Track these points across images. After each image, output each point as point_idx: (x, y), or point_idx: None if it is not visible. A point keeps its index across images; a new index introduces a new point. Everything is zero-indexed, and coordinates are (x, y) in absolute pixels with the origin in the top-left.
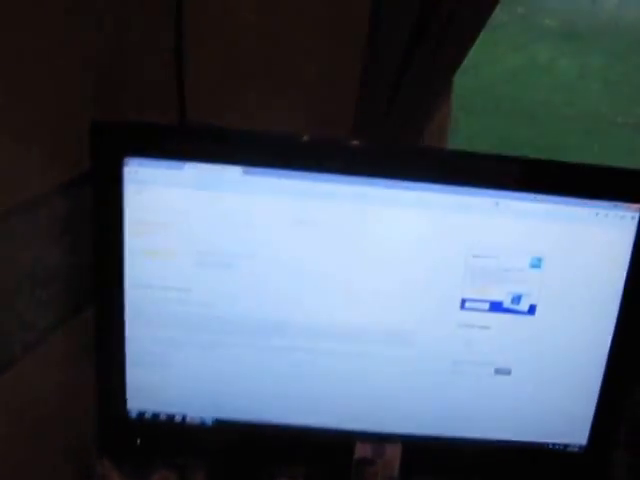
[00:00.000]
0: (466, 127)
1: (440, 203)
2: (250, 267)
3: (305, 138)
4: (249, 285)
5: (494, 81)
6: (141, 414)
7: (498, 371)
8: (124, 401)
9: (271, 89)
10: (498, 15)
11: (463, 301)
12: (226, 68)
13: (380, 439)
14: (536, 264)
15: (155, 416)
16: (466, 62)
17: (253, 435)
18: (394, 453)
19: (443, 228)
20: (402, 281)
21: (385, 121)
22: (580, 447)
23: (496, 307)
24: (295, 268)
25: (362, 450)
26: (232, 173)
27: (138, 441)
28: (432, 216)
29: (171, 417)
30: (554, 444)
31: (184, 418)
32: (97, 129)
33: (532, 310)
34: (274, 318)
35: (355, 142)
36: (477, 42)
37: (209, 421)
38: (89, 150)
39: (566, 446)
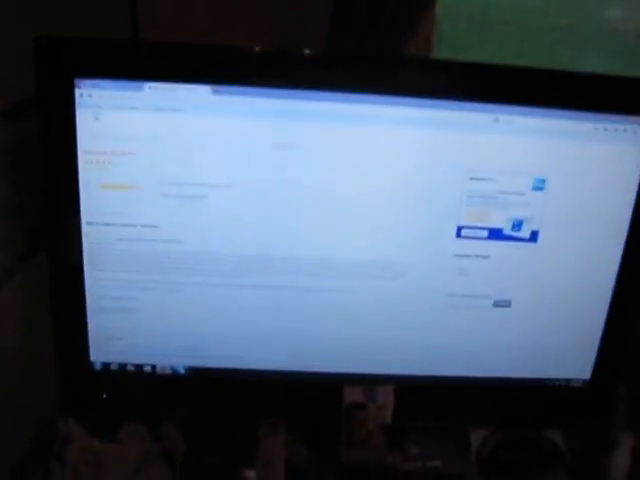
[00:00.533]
0: (451, 38)
1: (432, 120)
2: (224, 198)
3: (280, 51)
4: (223, 218)
5: None
6: (106, 365)
7: (497, 303)
8: (86, 352)
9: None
10: None
11: (459, 229)
12: None
13: (371, 382)
14: (538, 186)
15: (121, 367)
16: None
17: (231, 384)
18: (387, 396)
19: (436, 148)
20: (391, 208)
21: (365, 30)
22: (583, 382)
23: (495, 234)
24: (274, 198)
25: (351, 394)
26: (200, 93)
27: (104, 395)
28: (424, 135)
29: (139, 367)
30: (557, 379)
31: (154, 368)
32: (42, 46)
33: (534, 237)
34: (252, 253)
35: (336, 53)
36: None
37: (181, 370)
38: (33, 71)
39: (569, 381)
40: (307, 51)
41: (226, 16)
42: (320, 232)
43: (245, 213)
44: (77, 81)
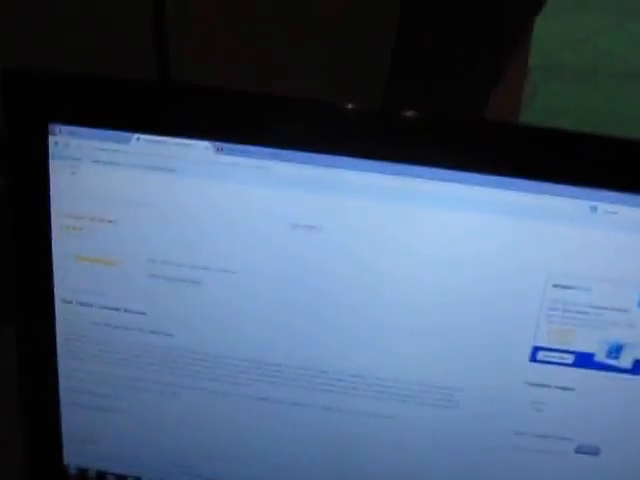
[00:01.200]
0: (546, 94)
1: (508, 205)
2: (225, 286)
3: (310, 102)
4: (223, 311)
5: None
6: (82, 471)
7: (580, 449)
8: (60, 453)
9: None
10: None
11: (535, 350)
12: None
13: None
14: None
15: (100, 475)
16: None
17: None
18: None
19: (510, 243)
20: (445, 318)
21: (430, 82)
22: None
23: (583, 361)
24: (289, 293)
25: None
26: (200, 151)
27: None
28: (495, 225)
29: (121, 478)
30: None
31: None
32: (10, 80)
33: (637, 368)
34: (260, 358)
35: (384, 112)
36: None
37: None
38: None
39: None
40: (346, 105)
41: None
42: (348, 341)
43: (250, 307)
44: (51, 126)
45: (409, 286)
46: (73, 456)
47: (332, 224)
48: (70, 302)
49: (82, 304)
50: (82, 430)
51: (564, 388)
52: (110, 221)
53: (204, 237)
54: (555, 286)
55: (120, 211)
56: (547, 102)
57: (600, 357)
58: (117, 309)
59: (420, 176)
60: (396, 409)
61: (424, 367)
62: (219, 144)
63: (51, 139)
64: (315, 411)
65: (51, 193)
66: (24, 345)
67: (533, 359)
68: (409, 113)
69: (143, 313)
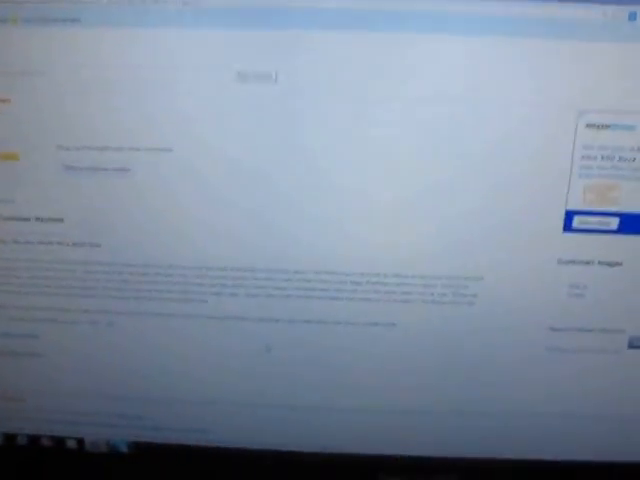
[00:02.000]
0: None
1: (523, 21)
2: (161, 169)
3: None
4: (162, 203)
5: None
6: (9, 438)
7: (634, 343)
8: None
9: None
10: None
11: (569, 216)
12: None
13: (421, 469)
14: None
15: (32, 441)
16: None
17: (195, 470)
18: None
19: (530, 73)
20: (457, 183)
21: None
22: None
23: (632, 225)
24: (247, 167)
25: None
26: None
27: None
28: (509, 49)
29: (59, 442)
30: None
31: (80, 443)
32: None
33: None
34: (214, 264)
35: None
36: None
37: (123, 448)
38: None
39: None
40: None
41: None
42: (330, 228)
43: (195, 197)
44: None
45: (405, 144)
46: None
47: (291, 69)
48: None
49: None
50: (3, 386)
51: (609, 264)
52: (4, 101)
53: (128, 107)
54: (589, 126)
55: (16, 85)
56: None
57: None
58: (26, 219)
59: None
60: (394, 310)
61: (431, 255)
62: None
63: None
64: (289, 326)
65: None
66: None
67: (567, 228)
68: None
69: (60, 220)
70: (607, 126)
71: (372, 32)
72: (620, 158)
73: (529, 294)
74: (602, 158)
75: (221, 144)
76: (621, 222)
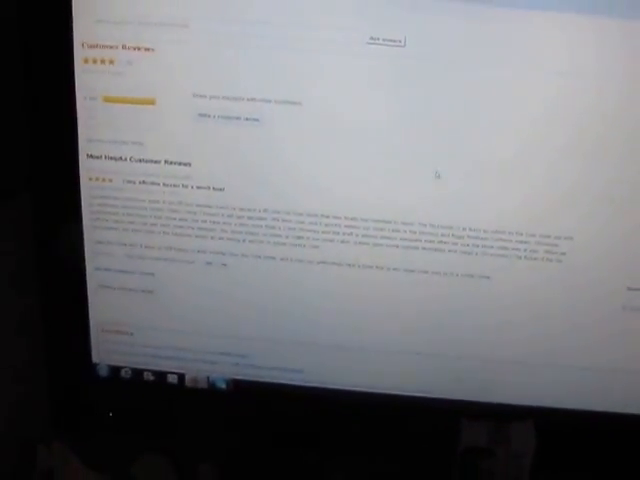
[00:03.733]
0: None
1: None
2: (290, 121)
3: None
4: (290, 153)
5: None
6: (114, 371)
7: None
8: (87, 351)
9: None
10: None
11: None
12: None
13: (501, 415)
14: None
15: (136, 375)
16: None
17: (293, 410)
18: (524, 438)
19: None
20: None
21: None
22: None
23: None
24: (371, 129)
25: (471, 434)
26: None
27: (110, 413)
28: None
29: (162, 377)
30: None
31: (181, 379)
32: None
33: None
34: (331, 211)
35: None
36: None
37: (222, 384)
38: None
39: None
40: None
41: None
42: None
43: (322, 150)
44: None
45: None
46: (103, 353)
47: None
48: (98, 157)
49: (111, 158)
50: (113, 319)
51: None
52: (148, 50)
53: (261, 61)
54: None
55: (161, 36)
56: None
57: None
58: (156, 161)
59: None
60: (487, 266)
61: (530, 214)
62: None
63: None
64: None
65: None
66: (40, 215)
67: None
68: None
69: (188, 164)
70: None
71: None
72: None
73: (613, 256)
74: None
75: (348, 103)
76: None
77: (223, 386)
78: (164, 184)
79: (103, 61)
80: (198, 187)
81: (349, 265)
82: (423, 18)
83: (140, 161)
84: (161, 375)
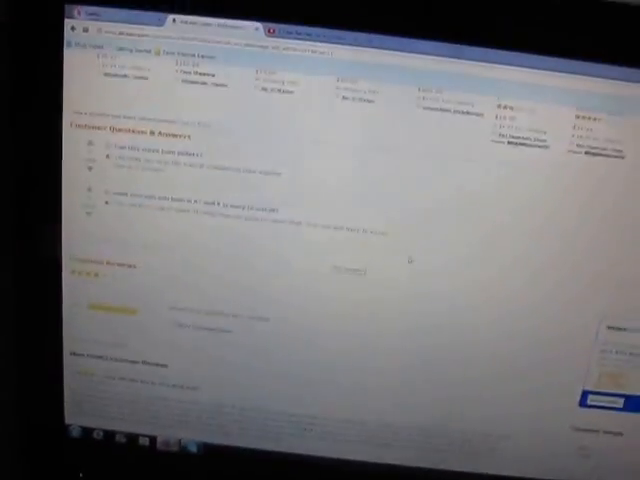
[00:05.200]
0: None
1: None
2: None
3: None
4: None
5: None
6: (86, 432)
7: None
8: (60, 411)
9: None
10: None
11: (585, 395)
12: None
13: None
14: None
15: (108, 436)
16: None
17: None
18: None
19: None
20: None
21: None
22: None
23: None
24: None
25: None
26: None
27: (80, 474)
28: None
29: (132, 439)
30: None
31: (153, 442)
32: None
33: None
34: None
35: None
36: None
37: (193, 448)
38: None
39: None
40: None
41: None
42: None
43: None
44: (68, 7)
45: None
46: (75, 415)
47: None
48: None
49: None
50: (87, 382)
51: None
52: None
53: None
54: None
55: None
56: None
57: None
58: (134, 362)
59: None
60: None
61: (462, 411)
62: (271, 25)
63: (67, 23)
64: None
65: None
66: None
67: (583, 404)
68: None
69: (164, 366)
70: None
71: None
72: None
73: (547, 451)
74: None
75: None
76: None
77: (194, 450)
78: (142, 381)
79: (89, 273)
80: (173, 385)
81: None
82: None
83: (120, 360)
84: (132, 437)
